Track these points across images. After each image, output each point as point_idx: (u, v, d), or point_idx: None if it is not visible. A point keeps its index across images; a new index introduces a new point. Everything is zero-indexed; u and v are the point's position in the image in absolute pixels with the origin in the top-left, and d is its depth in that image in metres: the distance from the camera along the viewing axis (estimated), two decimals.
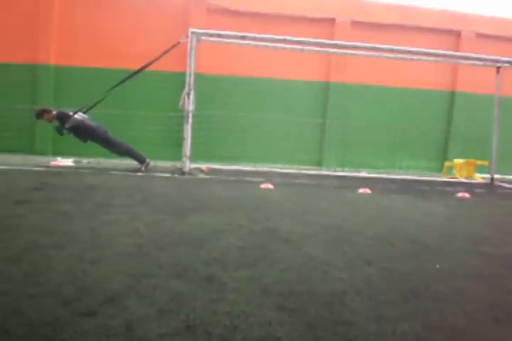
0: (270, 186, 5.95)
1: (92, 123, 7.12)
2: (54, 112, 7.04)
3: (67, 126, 6.86)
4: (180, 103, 7.17)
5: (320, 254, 2.81)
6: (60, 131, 6.91)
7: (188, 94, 7.07)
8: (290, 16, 10.05)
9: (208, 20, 9.57)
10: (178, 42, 7.21)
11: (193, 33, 6.98)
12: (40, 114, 7.10)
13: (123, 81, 7.12)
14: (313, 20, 10.15)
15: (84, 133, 7.07)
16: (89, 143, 7.22)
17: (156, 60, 7.12)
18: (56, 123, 7.00)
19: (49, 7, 9.41)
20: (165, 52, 7.10)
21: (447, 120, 10.92)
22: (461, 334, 1.79)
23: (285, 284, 2.22)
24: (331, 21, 10.22)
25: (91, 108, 7.04)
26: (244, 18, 9.79)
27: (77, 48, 9.55)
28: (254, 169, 8.12)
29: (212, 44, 8.12)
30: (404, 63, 9.43)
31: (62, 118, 6.91)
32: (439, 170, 10.43)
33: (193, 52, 7.04)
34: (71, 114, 6.89)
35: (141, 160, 7.26)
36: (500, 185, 8.15)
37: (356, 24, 10.22)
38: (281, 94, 10.15)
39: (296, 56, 9.61)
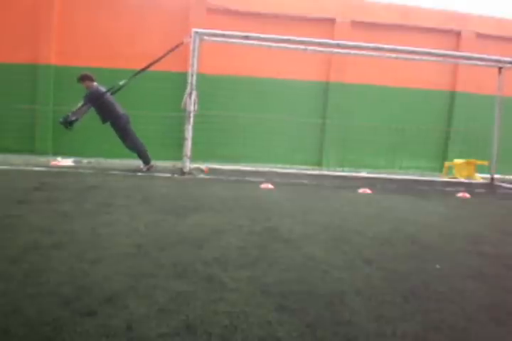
0: (270, 186, 5.94)
1: (120, 109, 7.12)
2: (95, 84, 7.01)
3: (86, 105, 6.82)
4: (183, 103, 7.15)
5: (320, 254, 2.81)
6: (66, 124, 6.69)
7: (190, 94, 7.05)
8: (290, 16, 10.06)
9: (208, 20, 9.56)
10: (182, 43, 7.18)
11: (196, 32, 6.96)
12: (83, 78, 7.02)
13: (143, 69, 7.16)
14: (313, 20, 10.15)
15: (109, 114, 7.02)
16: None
17: (161, 58, 7.09)
18: (61, 118, 6.81)
19: (49, 7, 9.41)
20: (169, 52, 7.09)
21: (447, 120, 10.92)
22: (461, 334, 1.79)
23: (285, 284, 2.22)
24: (331, 21, 10.22)
25: (116, 92, 7.08)
26: (244, 18, 9.79)
27: (78, 48, 9.55)
28: (254, 169, 8.12)
29: (213, 44, 8.11)
30: (404, 63, 9.44)
31: (94, 95, 6.85)
32: (439, 170, 10.43)
33: (195, 52, 7.01)
34: (104, 91, 6.93)
35: (146, 162, 7.25)
36: (500, 185, 8.15)
37: (356, 24, 10.22)
38: (282, 94, 10.15)
39: (296, 56, 9.60)
